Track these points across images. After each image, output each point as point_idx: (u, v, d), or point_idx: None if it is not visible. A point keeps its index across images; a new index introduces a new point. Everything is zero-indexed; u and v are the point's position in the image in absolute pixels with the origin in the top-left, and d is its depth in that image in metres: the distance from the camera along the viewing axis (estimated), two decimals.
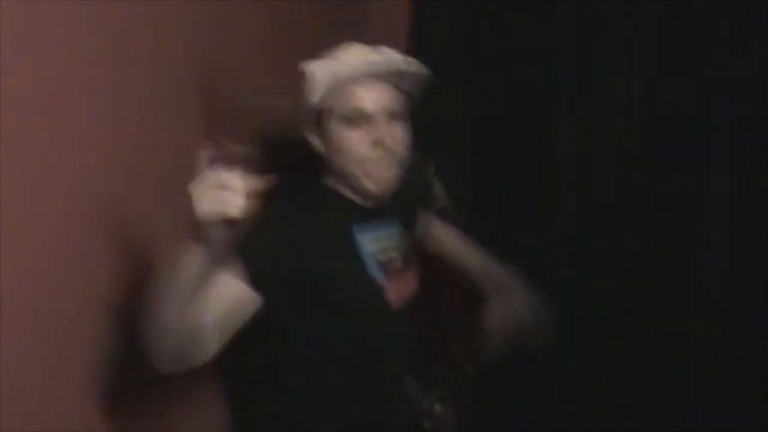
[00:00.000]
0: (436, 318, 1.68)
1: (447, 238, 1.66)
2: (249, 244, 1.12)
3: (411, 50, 2.25)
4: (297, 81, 1.32)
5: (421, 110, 1.73)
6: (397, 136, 1.29)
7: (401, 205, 1.45)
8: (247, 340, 1.22)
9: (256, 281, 1.18)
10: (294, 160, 1.53)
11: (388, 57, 1.29)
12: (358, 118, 1.27)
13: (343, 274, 1.26)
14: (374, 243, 1.33)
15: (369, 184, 1.29)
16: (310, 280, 1.21)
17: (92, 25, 1.28)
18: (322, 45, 1.37)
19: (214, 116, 1.66)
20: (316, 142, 1.34)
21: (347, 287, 1.26)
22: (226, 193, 0.97)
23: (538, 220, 2.11)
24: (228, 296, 1.15)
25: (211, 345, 1.12)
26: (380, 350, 1.33)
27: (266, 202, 1.02)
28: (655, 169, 2.01)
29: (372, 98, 1.27)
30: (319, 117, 1.31)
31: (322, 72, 1.27)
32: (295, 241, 1.21)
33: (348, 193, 1.34)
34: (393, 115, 1.29)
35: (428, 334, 1.63)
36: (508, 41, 2.14)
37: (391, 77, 1.29)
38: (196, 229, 0.99)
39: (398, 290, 1.35)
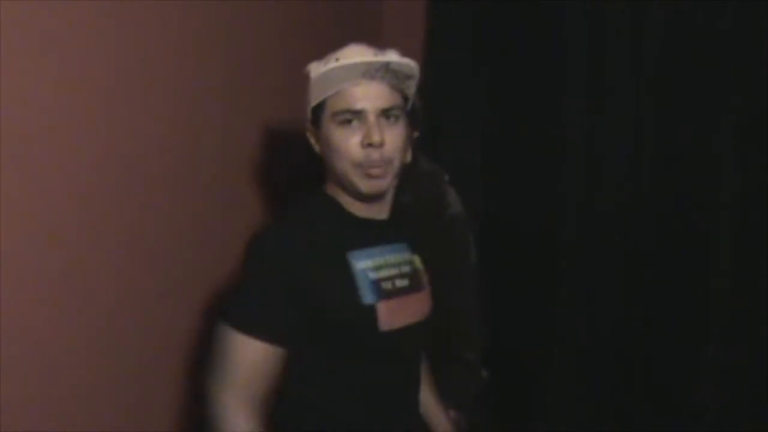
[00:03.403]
0: (449, 326, 1.71)
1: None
2: (260, 299, 1.25)
3: (426, 49, 2.27)
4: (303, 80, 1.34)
5: (436, 109, 1.76)
6: (389, 135, 1.29)
7: (409, 225, 1.45)
8: None
9: (276, 338, 1.27)
10: (300, 163, 1.55)
11: (382, 57, 1.29)
12: (350, 118, 1.29)
13: (335, 301, 1.29)
14: (372, 265, 1.33)
15: (361, 185, 1.30)
16: (310, 313, 1.27)
17: (112, 24, 1.33)
18: (337, 44, 1.38)
19: (233, 112, 1.69)
20: (314, 143, 1.37)
21: (338, 314, 1.29)
22: None
23: (549, 218, 2.14)
24: (261, 367, 1.26)
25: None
26: (378, 371, 1.34)
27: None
28: (663, 170, 2.02)
29: (363, 97, 1.28)
30: (317, 117, 1.34)
31: (318, 72, 1.30)
32: (297, 278, 1.26)
33: (347, 199, 1.36)
34: (386, 115, 1.29)
35: (441, 341, 1.66)
36: (520, 42, 2.14)
37: (386, 77, 1.29)
38: None
39: (401, 312, 1.35)
